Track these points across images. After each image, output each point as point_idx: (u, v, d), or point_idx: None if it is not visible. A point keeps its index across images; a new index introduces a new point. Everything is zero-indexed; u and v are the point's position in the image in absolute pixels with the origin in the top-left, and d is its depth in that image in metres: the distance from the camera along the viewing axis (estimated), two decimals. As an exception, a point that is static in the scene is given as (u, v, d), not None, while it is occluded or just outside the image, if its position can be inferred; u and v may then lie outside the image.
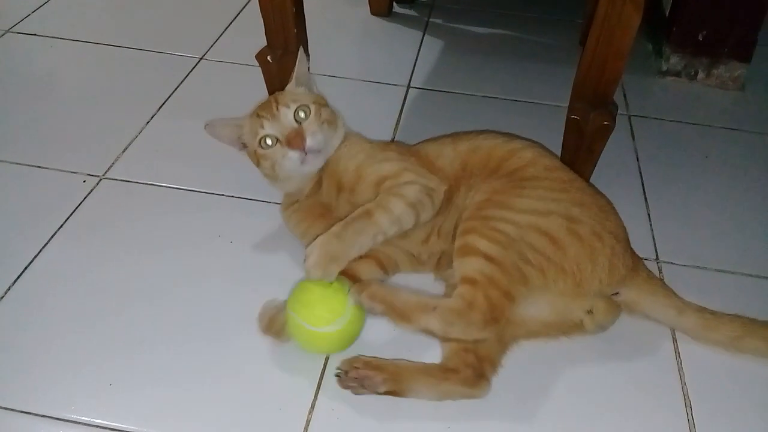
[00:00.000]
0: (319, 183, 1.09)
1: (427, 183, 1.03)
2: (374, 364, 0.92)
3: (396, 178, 1.03)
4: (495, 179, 1.04)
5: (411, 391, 0.92)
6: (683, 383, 0.98)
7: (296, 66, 1.13)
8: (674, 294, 1.03)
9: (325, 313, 0.92)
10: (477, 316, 0.90)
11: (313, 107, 1.06)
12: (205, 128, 1.08)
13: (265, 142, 1.05)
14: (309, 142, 1.03)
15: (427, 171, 1.06)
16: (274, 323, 0.97)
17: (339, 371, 0.92)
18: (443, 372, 0.93)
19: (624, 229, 1.03)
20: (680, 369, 0.99)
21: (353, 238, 0.94)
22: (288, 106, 1.05)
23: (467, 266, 0.93)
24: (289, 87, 1.13)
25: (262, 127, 1.05)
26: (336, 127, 1.10)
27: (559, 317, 0.98)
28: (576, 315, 0.98)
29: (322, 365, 0.96)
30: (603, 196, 1.07)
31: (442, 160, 1.10)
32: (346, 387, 0.91)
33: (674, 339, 1.03)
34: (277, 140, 1.05)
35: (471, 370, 0.92)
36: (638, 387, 0.97)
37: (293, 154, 1.03)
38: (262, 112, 1.07)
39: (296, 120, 1.05)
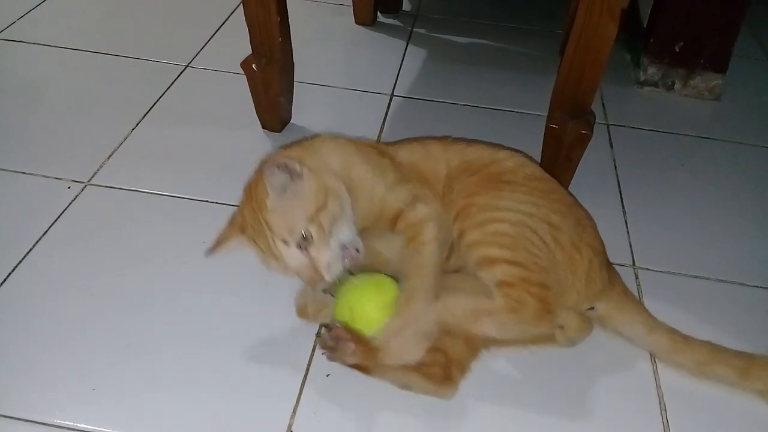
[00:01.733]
0: None
1: (434, 210, 0.99)
2: (353, 335, 0.92)
3: (409, 212, 0.98)
4: (472, 180, 1.03)
5: (379, 371, 0.93)
6: (658, 386, 1.00)
7: (272, 183, 0.89)
8: (647, 312, 1.03)
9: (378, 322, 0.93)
10: (528, 312, 0.92)
11: (313, 229, 0.89)
12: (267, 166, 0.89)
13: (277, 269, 0.94)
14: (329, 277, 0.91)
15: (424, 190, 1.02)
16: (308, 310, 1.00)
17: (323, 328, 0.93)
18: (415, 363, 0.93)
19: (601, 242, 1.04)
20: (656, 375, 1.01)
21: (421, 331, 0.92)
22: (287, 243, 0.90)
23: (496, 274, 0.94)
24: (275, 205, 0.91)
25: (268, 264, 0.94)
26: (342, 214, 0.93)
27: None
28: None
29: (304, 371, 0.97)
30: (582, 208, 1.08)
31: (431, 169, 1.07)
32: (323, 347, 0.92)
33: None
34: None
35: (440, 369, 0.93)
36: (615, 397, 0.98)
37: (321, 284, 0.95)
38: (259, 241, 0.93)
39: (301, 247, 0.90)
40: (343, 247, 0.92)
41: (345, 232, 0.93)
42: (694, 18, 1.63)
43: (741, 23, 1.63)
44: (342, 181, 0.96)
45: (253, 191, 0.95)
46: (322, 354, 0.93)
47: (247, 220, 0.94)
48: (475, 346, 0.97)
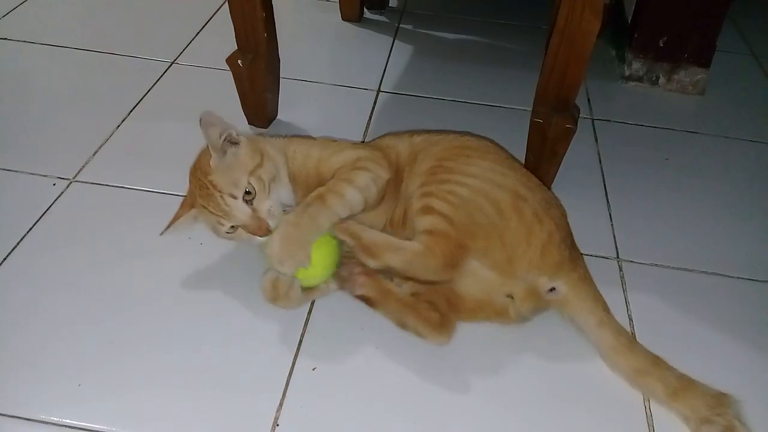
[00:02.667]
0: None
1: (377, 171, 1.06)
2: (365, 269, 1.01)
3: (349, 166, 1.06)
4: (441, 146, 1.10)
5: (383, 306, 1.01)
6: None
7: (209, 135, 1.00)
8: (603, 305, 1.02)
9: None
10: (434, 259, 0.97)
11: (253, 181, 1.00)
12: (201, 118, 0.99)
13: (228, 230, 1.02)
14: (273, 223, 1.00)
15: (379, 156, 1.10)
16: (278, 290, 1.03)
17: (348, 252, 1.01)
18: (416, 305, 1.00)
19: (566, 223, 1.05)
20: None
21: (311, 223, 0.97)
22: (234, 197, 0.99)
23: (425, 222, 0.99)
24: (217, 165, 1.01)
25: (221, 224, 1.01)
26: (278, 175, 1.05)
27: (487, 296, 1.02)
28: (500, 297, 1.02)
29: (290, 365, 0.97)
30: (553, 194, 1.10)
31: (395, 150, 1.14)
32: (337, 278, 1.03)
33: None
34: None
35: (438, 315, 0.99)
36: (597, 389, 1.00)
37: (260, 239, 1.01)
38: (209, 206, 1.00)
39: (246, 201, 0.99)
40: (283, 206, 1.03)
41: (283, 193, 1.05)
42: (677, 13, 1.64)
43: (724, 18, 1.65)
44: (280, 155, 1.09)
45: (197, 165, 1.05)
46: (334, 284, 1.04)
47: (195, 193, 1.03)
48: (454, 306, 1.02)
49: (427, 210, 1.00)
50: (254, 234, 1.00)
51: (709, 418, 0.90)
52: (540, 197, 1.03)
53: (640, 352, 0.97)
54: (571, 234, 1.06)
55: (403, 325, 1.00)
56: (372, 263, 0.98)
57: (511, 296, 1.01)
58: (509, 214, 0.99)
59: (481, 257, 0.99)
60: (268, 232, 0.99)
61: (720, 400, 0.91)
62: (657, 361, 0.96)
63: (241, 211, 0.99)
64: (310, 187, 1.05)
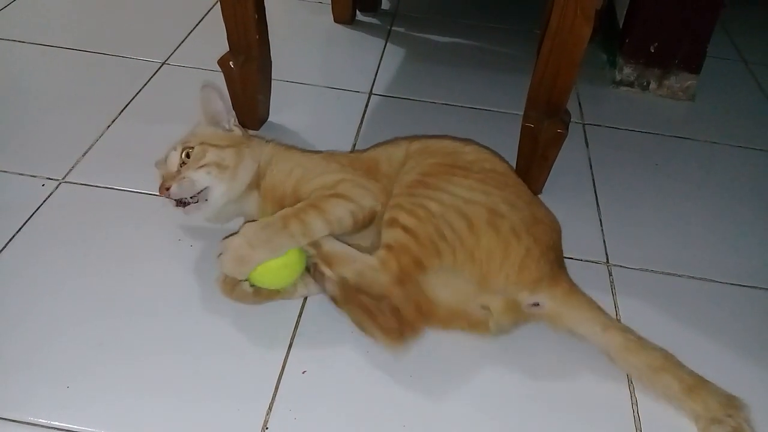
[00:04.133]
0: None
1: (358, 199, 1.04)
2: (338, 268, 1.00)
3: (329, 189, 1.05)
4: (430, 161, 1.09)
5: (344, 306, 1.00)
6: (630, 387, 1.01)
7: (207, 104, 1.13)
8: (599, 309, 1.02)
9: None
10: (386, 275, 0.97)
11: (197, 149, 1.05)
12: (201, 89, 1.12)
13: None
14: (173, 189, 1.03)
15: (369, 182, 1.08)
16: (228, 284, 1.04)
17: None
18: (376, 311, 0.97)
19: (553, 240, 1.04)
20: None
21: (265, 245, 0.97)
22: (175, 149, 1.07)
23: (388, 235, 1.00)
24: (197, 127, 1.13)
25: (158, 171, 1.07)
26: (233, 169, 1.08)
27: (462, 306, 1.01)
28: (476, 309, 1.01)
29: (280, 368, 0.97)
30: (547, 210, 1.09)
31: (389, 164, 1.14)
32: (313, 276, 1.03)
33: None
34: None
35: (396, 324, 0.97)
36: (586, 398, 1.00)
37: (167, 201, 1.03)
38: (167, 153, 1.10)
39: (182, 160, 1.06)
40: (205, 195, 1.06)
41: (221, 189, 1.07)
42: (668, 19, 1.65)
43: (714, 24, 1.66)
44: (252, 160, 1.11)
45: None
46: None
47: None
48: (425, 315, 1.01)
49: (392, 222, 1.00)
50: (159, 186, 1.05)
51: (720, 418, 0.91)
52: (524, 214, 1.02)
53: (651, 348, 0.97)
54: (555, 249, 1.05)
55: (361, 329, 1.00)
56: (329, 273, 1.00)
57: (487, 308, 1.01)
58: (482, 231, 0.98)
59: (451, 274, 0.99)
60: (165, 191, 1.03)
61: (731, 402, 0.92)
62: (669, 356, 0.97)
63: (171, 162, 1.07)
64: (282, 206, 1.04)
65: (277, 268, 1.00)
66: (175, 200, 1.06)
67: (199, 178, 1.05)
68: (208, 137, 1.09)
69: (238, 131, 1.14)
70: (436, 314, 1.02)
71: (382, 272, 0.97)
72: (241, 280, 1.02)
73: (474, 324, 1.02)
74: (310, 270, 1.03)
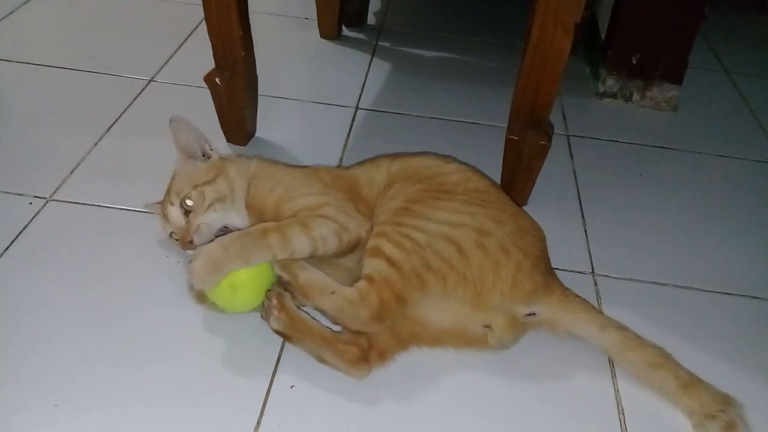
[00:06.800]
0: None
1: (345, 223, 1.04)
2: (281, 303, 0.98)
3: (313, 210, 1.04)
4: (415, 187, 1.08)
5: (299, 341, 0.99)
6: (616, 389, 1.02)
7: (178, 136, 1.11)
8: (595, 310, 1.05)
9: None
10: (365, 310, 0.95)
11: (194, 195, 1.05)
12: (169, 123, 1.10)
13: (169, 234, 1.08)
14: (197, 240, 1.03)
15: (351, 207, 1.08)
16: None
17: (271, 288, 1.00)
18: (333, 339, 0.98)
19: (541, 250, 1.06)
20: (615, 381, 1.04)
21: (240, 253, 0.97)
22: (173, 204, 1.06)
23: (370, 266, 0.98)
24: (177, 168, 1.12)
25: (164, 227, 1.08)
26: (230, 194, 1.08)
27: (459, 326, 1.01)
28: (476, 327, 1.01)
29: (268, 383, 0.97)
30: (530, 219, 1.10)
31: (371, 186, 1.13)
32: (265, 308, 1.00)
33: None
34: None
35: (358, 350, 0.97)
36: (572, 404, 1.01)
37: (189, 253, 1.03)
38: (163, 206, 1.09)
39: (185, 209, 1.05)
40: (224, 228, 1.06)
41: (232, 216, 1.07)
42: (649, 30, 1.68)
43: (695, 35, 1.68)
44: (242, 179, 1.11)
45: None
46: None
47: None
48: (403, 340, 1.01)
49: (376, 252, 0.99)
50: (179, 243, 1.05)
51: (714, 413, 0.93)
52: (511, 228, 1.03)
53: (649, 345, 1.00)
54: (544, 259, 1.06)
55: (321, 360, 0.98)
56: (306, 303, 1.00)
57: (488, 326, 1.01)
58: (471, 252, 0.98)
59: (444, 298, 0.99)
60: (189, 245, 1.03)
61: (726, 399, 0.95)
62: (665, 354, 0.99)
63: (175, 219, 1.06)
64: (262, 221, 1.05)
65: (239, 285, 0.99)
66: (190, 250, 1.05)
67: (212, 220, 1.05)
68: (197, 177, 1.08)
69: (215, 155, 1.13)
70: (424, 336, 1.02)
71: (362, 306, 0.95)
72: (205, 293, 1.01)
73: (471, 341, 1.02)
74: (264, 303, 1.01)
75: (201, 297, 1.04)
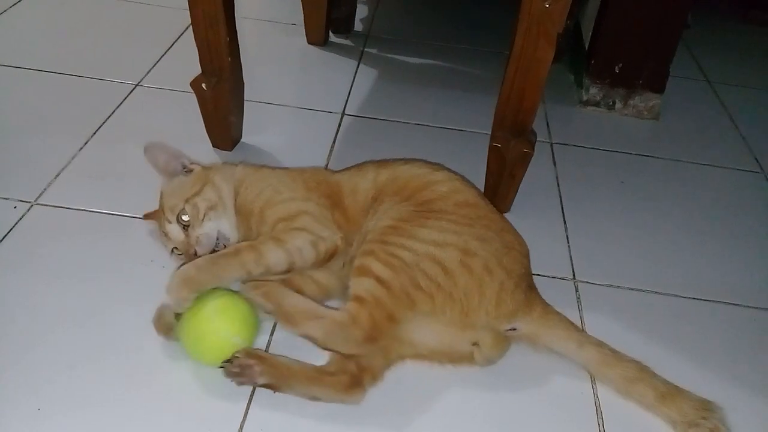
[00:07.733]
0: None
1: (319, 232, 1.05)
2: (256, 355, 0.95)
3: (290, 221, 1.05)
4: (404, 206, 1.07)
5: (288, 387, 0.95)
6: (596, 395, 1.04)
7: (155, 161, 1.12)
8: (574, 327, 1.05)
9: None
10: (358, 332, 0.94)
11: (188, 208, 1.06)
12: (144, 151, 1.11)
13: (172, 251, 1.09)
14: (200, 250, 1.04)
15: (328, 215, 1.09)
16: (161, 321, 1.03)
17: (225, 361, 0.94)
18: (320, 374, 0.96)
19: (523, 266, 1.06)
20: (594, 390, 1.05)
21: (213, 272, 0.97)
22: (170, 221, 1.07)
23: (359, 286, 0.97)
24: (163, 187, 1.12)
25: (165, 245, 1.10)
26: (220, 201, 1.09)
27: (446, 346, 1.02)
28: (463, 346, 1.02)
29: (250, 393, 0.97)
30: (514, 232, 1.10)
31: (354, 197, 1.13)
32: (229, 375, 0.94)
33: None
34: None
35: (348, 377, 0.96)
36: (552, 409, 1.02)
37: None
38: (161, 225, 1.09)
39: (183, 224, 1.06)
40: (221, 236, 1.07)
41: (224, 224, 1.08)
42: (632, 40, 1.70)
43: (677, 44, 1.71)
44: (228, 185, 1.12)
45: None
46: (231, 381, 0.94)
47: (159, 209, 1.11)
48: (390, 357, 1.01)
49: (364, 271, 0.98)
50: (184, 257, 1.06)
51: (696, 421, 0.94)
52: (496, 246, 1.03)
53: (626, 360, 1.01)
54: (527, 275, 1.07)
55: (314, 399, 0.96)
56: (292, 331, 0.97)
57: (476, 344, 1.02)
58: (456, 272, 0.98)
59: (432, 319, 0.99)
60: (194, 257, 1.02)
61: (706, 406, 0.96)
62: (643, 368, 1.00)
63: (175, 235, 1.07)
64: (250, 225, 1.08)
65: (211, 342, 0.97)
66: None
67: (209, 230, 1.06)
68: (185, 191, 1.09)
69: (197, 167, 1.14)
70: (412, 355, 1.02)
71: (354, 328, 0.94)
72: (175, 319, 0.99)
73: (457, 359, 1.03)
74: (231, 361, 0.95)
75: (167, 329, 1.02)
